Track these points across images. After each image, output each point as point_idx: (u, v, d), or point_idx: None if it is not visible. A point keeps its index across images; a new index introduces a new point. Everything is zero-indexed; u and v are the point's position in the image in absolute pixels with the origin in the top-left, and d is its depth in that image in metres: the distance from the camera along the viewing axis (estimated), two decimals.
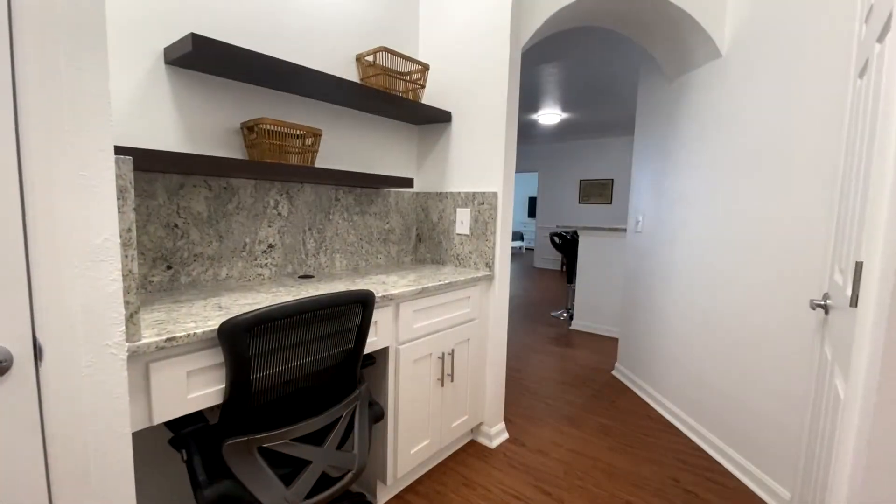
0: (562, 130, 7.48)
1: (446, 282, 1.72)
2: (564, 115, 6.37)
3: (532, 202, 12.96)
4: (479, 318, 1.98)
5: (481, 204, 2.02)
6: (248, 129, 1.52)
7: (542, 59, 4.13)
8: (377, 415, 1.36)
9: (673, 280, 2.38)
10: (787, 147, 1.69)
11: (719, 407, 2.00)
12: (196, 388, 1.02)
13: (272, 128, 1.49)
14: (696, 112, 2.23)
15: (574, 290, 4.36)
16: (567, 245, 4.66)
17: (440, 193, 2.18)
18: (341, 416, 1.19)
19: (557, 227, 4.48)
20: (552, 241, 4.67)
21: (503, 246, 2.02)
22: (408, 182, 1.95)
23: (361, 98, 1.75)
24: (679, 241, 2.34)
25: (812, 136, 1.59)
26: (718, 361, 2.01)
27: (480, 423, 2.09)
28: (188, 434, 1.04)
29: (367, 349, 1.42)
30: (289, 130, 1.55)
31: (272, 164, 1.45)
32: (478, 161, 2.02)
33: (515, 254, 11.74)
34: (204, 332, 0.99)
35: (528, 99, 5.57)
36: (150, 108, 1.34)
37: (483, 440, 2.09)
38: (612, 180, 7.76)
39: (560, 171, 8.48)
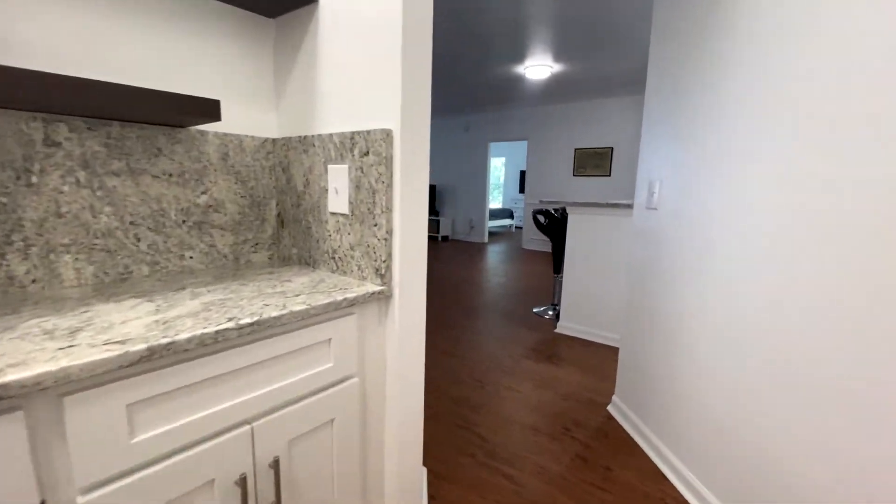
0: (554, 88, 6.40)
1: (248, 320, 0.77)
2: (556, 68, 5.30)
3: (524, 176, 11.91)
4: (356, 374, 1.04)
5: (364, 155, 1.05)
6: None
7: None
8: None
9: (710, 280, 1.45)
10: None
11: None
12: None
13: None
14: (757, 23, 1.24)
15: (561, 283, 3.44)
16: (554, 225, 3.70)
17: (304, 139, 1.21)
18: None
19: (541, 202, 3.51)
20: (535, 220, 3.71)
21: (412, 236, 1.07)
22: (212, 108, 0.96)
23: None
24: (723, 220, 1.39)
25: None
26: (793, 428, 1.10)
27: None
28: None
29: None
30: None
31: None
32: (360, 76, 1.05)
33: (504, 233, 10.79)
34: None
35: (512, 44, 4.50)
36: None
37: None
38: (612, 149, 6.73)
39: (552, 139, 7.43)
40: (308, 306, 0.87)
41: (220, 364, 0.77)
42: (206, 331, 0.72)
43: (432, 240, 8.90)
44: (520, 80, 5.93)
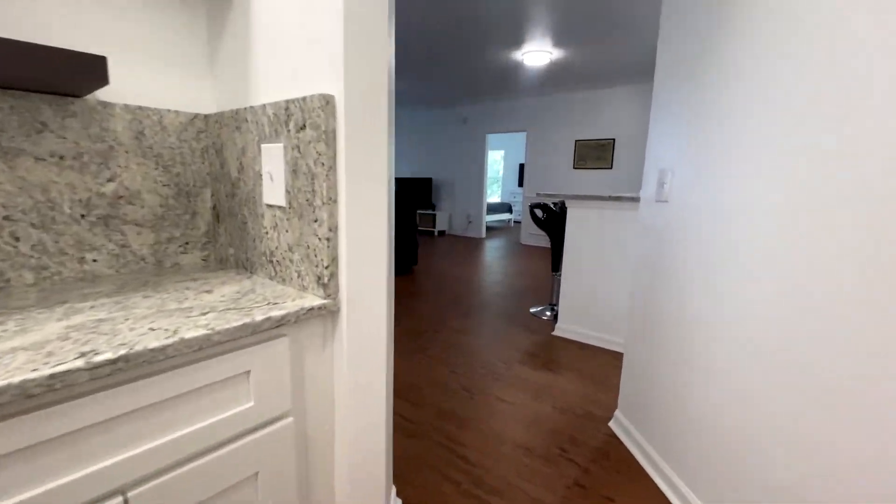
0: (553, 77, 6.13)
1: (108, 356, 0.54)
2: (556, 55, 5.03)
3: (523, 170, 11.65)
4: (290, 413, 0.81)
5: (300, 130, 0.82)
6: None
7: None
8: None
9: (730, 283, 1.22)
10: None
11: None
12: None
13: None
14: None
15: (560, 282, 3.21)
16: (553, 220, 3.47)
17: (237, 114, 0.98)
18: None
19: (538, 195, 3.26)
20: (532, 214, 3.48)
21: (366, 234, 0.84)
22: (93, 67, 0.73)
23: None
24: (746, 215, 1.16)
25: None
26: (836, 460, 0.87)
27: None
28: None
29: None
30: None
31: None
32: (294, 25, 0.81)
33: (503, 228, 10.55)
34: None
35: (509, 27, 4.24)
36: None
37: None
38: (614, 140, 6.47)
39: (552, 130, 7.17)
40: (210, 331, 0.64)
41: (72, 416, 0.54)
42: (28, 377, 0.49)
43: (428, 235, 8.67)
44: (518, 67, 5.66)
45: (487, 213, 9.64)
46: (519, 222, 11.16)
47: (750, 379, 1.15)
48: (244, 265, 1.03)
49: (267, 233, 0.94)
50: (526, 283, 4.67)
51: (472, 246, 7.42)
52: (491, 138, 9.02)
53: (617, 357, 2.71)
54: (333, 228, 0.81)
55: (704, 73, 1.39)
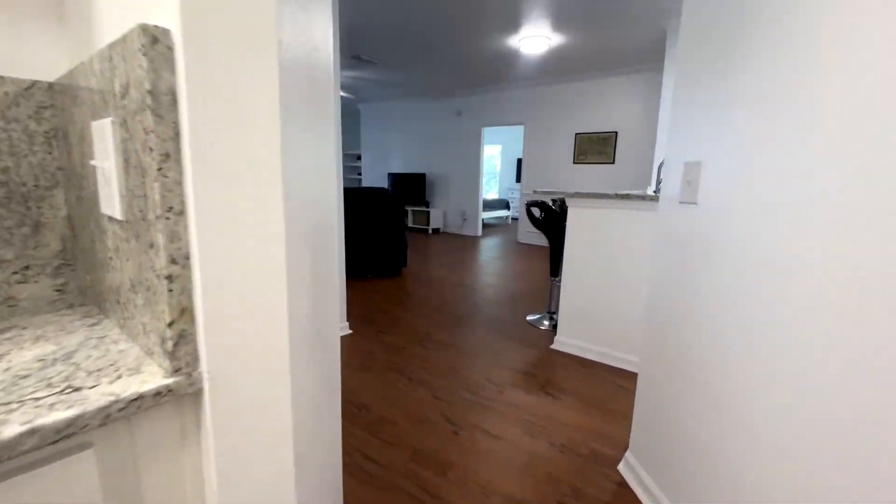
0: (553, 66, 5.79)
1: None
2: (555, 41, 4.69)
3: (521, 165, 11.30)
4: None
5: (125, 95, 0.50)
6: None
7: None
8: None
9: (783, 308, 0.90)
10: None
11: None
12: None
13: None
14: None
15: (559, 288, 2.90)
16: (552, 220, 3.14)
17: (73, 76, 0.65)
18: None
19: (535, 192, 2.93)
20: (529, 213, 3.15)
21: (247, 267, 0.52)
22: None
23: None
24: (813, 223, 0.84)
25: None
26: None
27: None
28: None
29: None
30: None
31: None
32: None
33: (500, 225, 10.22)
34: None
35: (505, 10, 3.89)
36: None
37: None
38: (616, 133, 6.13)
39: (550, 123, 6.82)
40: None
41: None
42: None
43: (421, 232, 8.34)
44: (515, 55, 5.31)
45: (484, 210, 9.31)
46: (517, 219, 10.82)
47: (811, 456, 0.83)
48: (98, 303, 0.71)
49: (111, 258, 0.62)
50: (523, 287, 4.35)
51: (467, 245, 7.09)
52: (487, 133, 8.67)
53: (625, 377, 2.39)
54: (180, 259, 0.48)
55: (751, 45, 1.06)
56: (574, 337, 2.71)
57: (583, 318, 2.66)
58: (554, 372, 2.44)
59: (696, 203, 1.25)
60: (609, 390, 2.23)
